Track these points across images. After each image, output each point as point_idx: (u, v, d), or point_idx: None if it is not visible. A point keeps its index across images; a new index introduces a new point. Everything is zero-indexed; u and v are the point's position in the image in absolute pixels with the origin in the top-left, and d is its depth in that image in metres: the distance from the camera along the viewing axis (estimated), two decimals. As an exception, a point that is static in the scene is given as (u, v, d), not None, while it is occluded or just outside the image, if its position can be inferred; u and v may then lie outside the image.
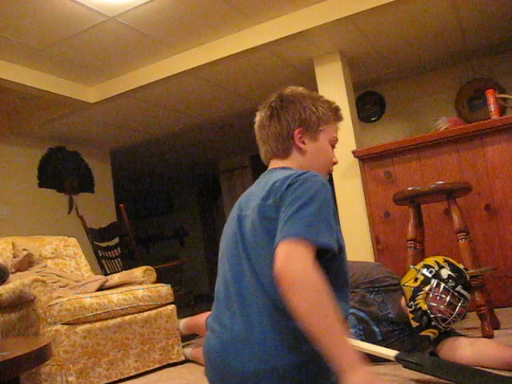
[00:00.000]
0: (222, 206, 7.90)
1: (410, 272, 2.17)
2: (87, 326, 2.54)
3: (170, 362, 2.86)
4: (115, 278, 3.09)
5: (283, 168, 1.27)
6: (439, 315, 2.01)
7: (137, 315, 2.77)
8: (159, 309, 2.90)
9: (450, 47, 4.30)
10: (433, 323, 2.02)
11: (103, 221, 4.65)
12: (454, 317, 2.02)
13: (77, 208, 5.33)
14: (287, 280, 0.96)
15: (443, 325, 2.02)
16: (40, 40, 3.50)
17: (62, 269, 3.29)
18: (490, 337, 2.37)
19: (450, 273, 2.06)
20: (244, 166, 7.62)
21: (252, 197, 1.24)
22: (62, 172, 5.32)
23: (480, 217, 3.26)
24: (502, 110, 3.60)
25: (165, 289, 2.99)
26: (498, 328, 2.56)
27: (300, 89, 1.35)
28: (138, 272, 3.12)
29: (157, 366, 2.79)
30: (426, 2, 3.43)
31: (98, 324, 2.58)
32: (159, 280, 3.21)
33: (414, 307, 2.07)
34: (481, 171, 3.28)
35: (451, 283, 2.04)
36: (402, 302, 2.16)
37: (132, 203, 9.26)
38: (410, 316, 2.08)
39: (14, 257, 3.09)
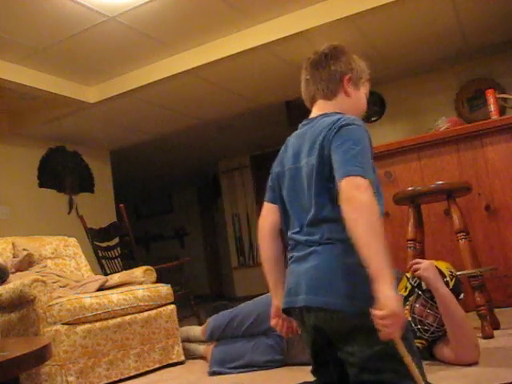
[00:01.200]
0: (222, 205, 7.90)
1: (403, 280, 2.16)
2: (87, 325, 2.55)
3: (170, 362, 2.86)
4: (115, 278, 3.10)
5: (325, 115, 1.46)
6: (424, 326, 2.01)
7: (137, 315, 2.77)
8: (159, 309, 2.90)
9: (450, 47, 4.30)
10: (418, 334, 2.02)
11: (103, 221, 4.65)
12: (437, 327, 2.01)
13: (77, 208, 5.33)
14: (357, 203, 1.21)
15: (427, 335, 2.01)
16: (40, 40, 3.50)
17: (62, 269, 3.29)
18: (490, 337, 2.37)
19: None
20: (244, 165, 7.63)
21: (301, 150, 1.46)
22: (61, 172, 5.32)
23: (480, 217, 3.25)
24: (502, 110, 3.60)
25: (165, 289, 2.99)
26: (498, 328, 2.55)
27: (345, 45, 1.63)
28: (138, 272, 3.12)
29: (157, 366, 2.79)
30: (426, 2, 3.43)
31: (98, 324, 2.59)
32: (159, 280, 3.21)
33: None
34: (481, 171, 3.28)
35: (428, 294, 2.02)
36: None
37: (132, 203, 9.26)
38: None
39: (14, 257, 3.09)
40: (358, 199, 1.21)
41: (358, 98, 1.54)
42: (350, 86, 1.52)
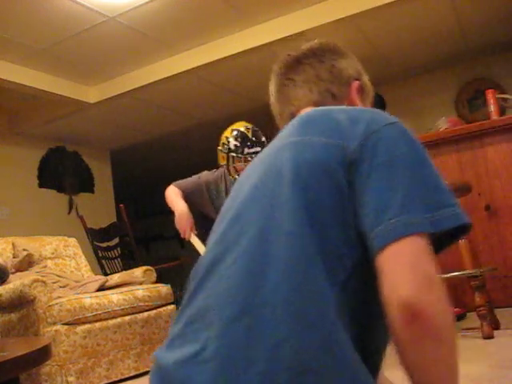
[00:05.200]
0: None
1: None
2: (87, 326, 2.54)
3: (170, 362, 2.85)
4: (115, 278, 3.09)
5: None
6: None
7: (137, 315, 2.77)
8: (159, 309, 2.90)
9: (450, 47, 4.30)
10: None
11: (103, 221, 4.65)
12: None
13: (77, 208, 5.33)
14: (427, 323, 0.63)
15: None
16: (40, 40, 3.49)
17: (62, 269, 3.29)
18: (490, 337, 2.37)
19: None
20: (244, 165, 7.61)
21: None
22: (61, 172, 5.32)
23: (480, 217, 3.25)
24: (502, 110, 3.60)
25: (165, 289, 2.99)
26: (498, 328, 2.55)
27: None
28: (138, 272, 3.12)
29: (157, 366, 2.79)
30: (426, 2, 3.43)
31: (97, 324, 2.58)
32: (159, 280, 3.21)
33: None
34: (481, 171, 3.28)
35: None
36: None
37: (132, 203, 9.25)
38: None
39: (14, 257, 3.09)
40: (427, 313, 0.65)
41: None
42: (359, 97, 1.02)
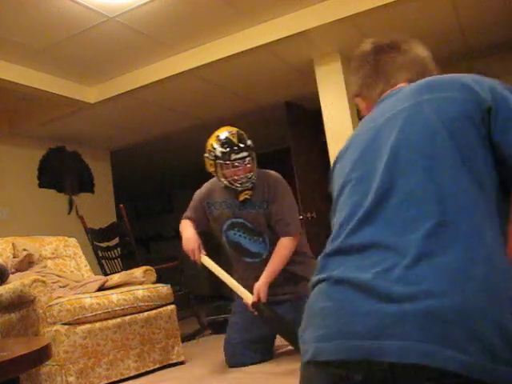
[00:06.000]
0: (222, 206, 7.88)
1: None
2: (87, 326, 2.55)
3: (170, 362, 2.86)
4: (115, 278, 3.10)
5: None
6: None
7: (137, 315, 2.77)
8: (159, 309, 2.90)
9: (450, 47, 4.30)
10: None
11: (103, 221, 4.65)
12: None
13: (77, 208, 5.33)
14: None
15: None
16: (40, 40, 3.49)
17: (62, 269, 3.29)
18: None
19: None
20: (244, 166, 7.60)
21: None
22: (61, 172, 5.32)
23: (480, 217, 3.25)
24: (502, 110, 3.59)
25: (165, 289, 2.99)
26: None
27: None
28: (138, 272, 3.12)
29: (157, 366, 2.79)
30: (426, 2, 3.43)
31: (98, 324, 2.59)
32: (159, 280, 3.21)
33: None
34: (481, 171, 3.28)
35: None
36: None
37: (132, 203, 9.26)
38: None
39: (14, 257, 3.09)
40: None
41: None
42: None
